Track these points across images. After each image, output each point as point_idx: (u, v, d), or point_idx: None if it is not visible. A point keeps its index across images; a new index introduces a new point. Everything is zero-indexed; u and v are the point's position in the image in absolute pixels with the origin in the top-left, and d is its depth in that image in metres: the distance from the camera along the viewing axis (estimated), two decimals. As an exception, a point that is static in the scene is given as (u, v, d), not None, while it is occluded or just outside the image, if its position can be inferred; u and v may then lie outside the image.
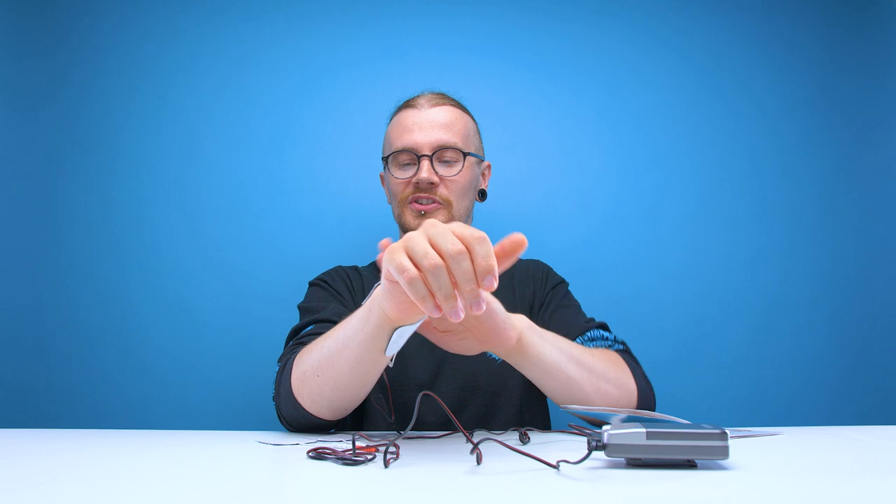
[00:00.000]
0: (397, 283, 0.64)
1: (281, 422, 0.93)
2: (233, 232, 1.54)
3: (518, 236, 0.65)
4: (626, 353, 1.04)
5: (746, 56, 1.66)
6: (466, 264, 0.60)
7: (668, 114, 1.63)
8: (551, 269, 1.26)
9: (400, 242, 0.64)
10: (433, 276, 0.60)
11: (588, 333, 1.07)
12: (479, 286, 0.60)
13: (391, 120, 1.20)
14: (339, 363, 0.79)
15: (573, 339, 1.06)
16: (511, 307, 1.16)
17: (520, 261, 1.26)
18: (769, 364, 1.56)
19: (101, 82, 1.58)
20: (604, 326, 1.11)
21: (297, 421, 0.89)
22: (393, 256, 0.63)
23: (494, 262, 0.61)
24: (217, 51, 1.60)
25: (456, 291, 0.61)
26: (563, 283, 1.23)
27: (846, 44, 1.67)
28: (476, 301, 0.60)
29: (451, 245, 0.61)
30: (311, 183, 1.57)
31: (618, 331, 1.52)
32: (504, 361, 1.07)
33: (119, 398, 1.48)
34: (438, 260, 0.60)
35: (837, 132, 1.65)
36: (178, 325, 1.50)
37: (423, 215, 1.12)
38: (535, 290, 1.20)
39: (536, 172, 1.60)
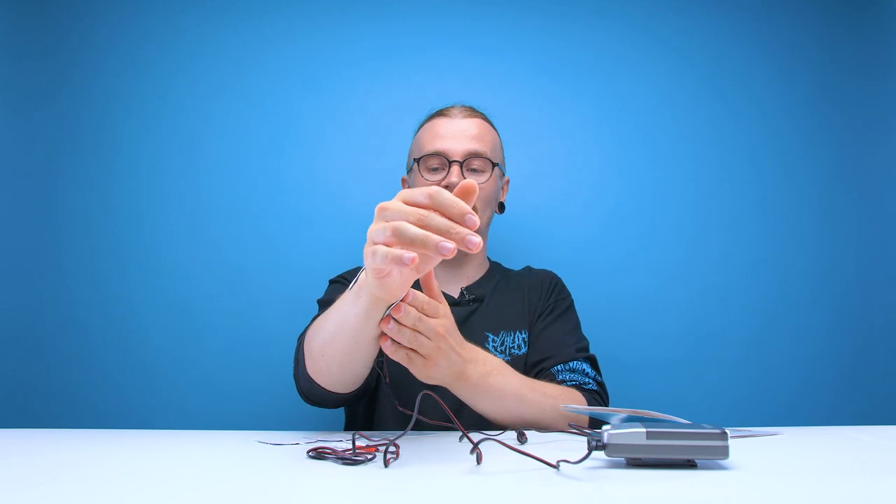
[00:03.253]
0: (388, 280, 0.66)
1: (301, 396, 0.98)
2: (233, 232, 1.54)
3: (468, 184, 0.65)
4: (594, 395, 1.08)
5: (746, 56, 1.66)
6: (438, 218, 0.62)
7: (668, 114, 1.63)
8: (561, 282, 1.29)
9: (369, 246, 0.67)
10: (422, 219, 0.63)
11: (571, 363, 1.11)
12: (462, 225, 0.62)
13: (422, 126, 1.25)
14: (339, 344, 0.83)
15: (554, 365, 1.11)
16: (521, 314, 1.21)
17: (532, 270, 1.31)
18: (769, 364, 1.56)
19: (101, 82, 1.58)
20: (592, 361, 1.14)
21: (313, 395, 0.94)
22: (373, 228, 0.66)
23: (462, 202, 0.63)
24: (217, 51, 1.60)
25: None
26: (568, 297, 1.26)
27: (846, 44, 1.67)
28: (466, 239, 0.61)
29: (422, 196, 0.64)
30: (311, 183, 1.57)
31: (618, 331, 1.52)
32: (509, 360, 1.13)
33: (119, 398, 1.48)
34: (422, 210, 0.63)
35: (837, 132, 1.65)
36: (178, 324, 1.50)
37: None
38: (540, 297, 1.23)
39: (536, 173, 1.60)
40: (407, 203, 0.64)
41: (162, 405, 1.48)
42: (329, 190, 1.57)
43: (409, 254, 0.62)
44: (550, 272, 1.31)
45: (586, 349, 1.19)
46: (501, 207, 1.28)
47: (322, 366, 0.88)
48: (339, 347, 0.83)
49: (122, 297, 1.51)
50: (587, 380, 1.11)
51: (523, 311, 1.22)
